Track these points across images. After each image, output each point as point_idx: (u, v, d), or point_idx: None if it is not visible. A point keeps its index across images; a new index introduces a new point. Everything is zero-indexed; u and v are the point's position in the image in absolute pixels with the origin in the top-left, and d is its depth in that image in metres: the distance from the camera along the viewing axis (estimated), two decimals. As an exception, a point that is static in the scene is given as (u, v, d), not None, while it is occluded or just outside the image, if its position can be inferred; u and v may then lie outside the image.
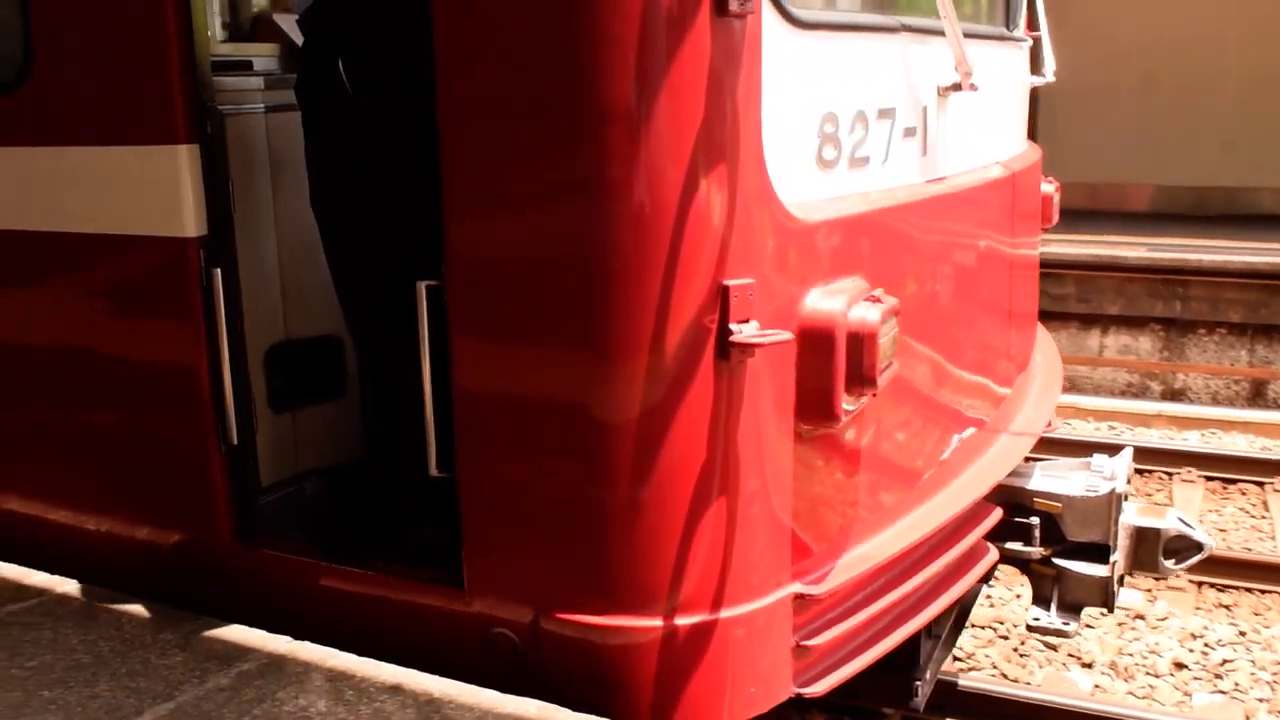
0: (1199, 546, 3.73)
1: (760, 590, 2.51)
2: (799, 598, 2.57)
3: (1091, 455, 3.99)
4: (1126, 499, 3.91)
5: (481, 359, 2.48)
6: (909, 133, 2.88)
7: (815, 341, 2.44)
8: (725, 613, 2.46)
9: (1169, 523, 3.71)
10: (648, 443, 2.37)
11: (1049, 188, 4.76)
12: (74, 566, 3.13)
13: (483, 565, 2.57)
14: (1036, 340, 4.67)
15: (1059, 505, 3.70)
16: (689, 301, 2.30)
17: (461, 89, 2.37)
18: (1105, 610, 3.82)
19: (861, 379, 2.47)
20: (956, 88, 2.95)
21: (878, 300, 2.49)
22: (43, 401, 3.25)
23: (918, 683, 3.48)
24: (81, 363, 3.09)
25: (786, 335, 2.31)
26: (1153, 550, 3.71)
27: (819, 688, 2.63)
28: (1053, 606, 3.79)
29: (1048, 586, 3.80)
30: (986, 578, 3.64)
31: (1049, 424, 4.24)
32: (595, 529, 2.44)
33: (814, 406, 2.48)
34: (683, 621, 2.44)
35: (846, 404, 2.50)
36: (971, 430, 3.44)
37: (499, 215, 2.41)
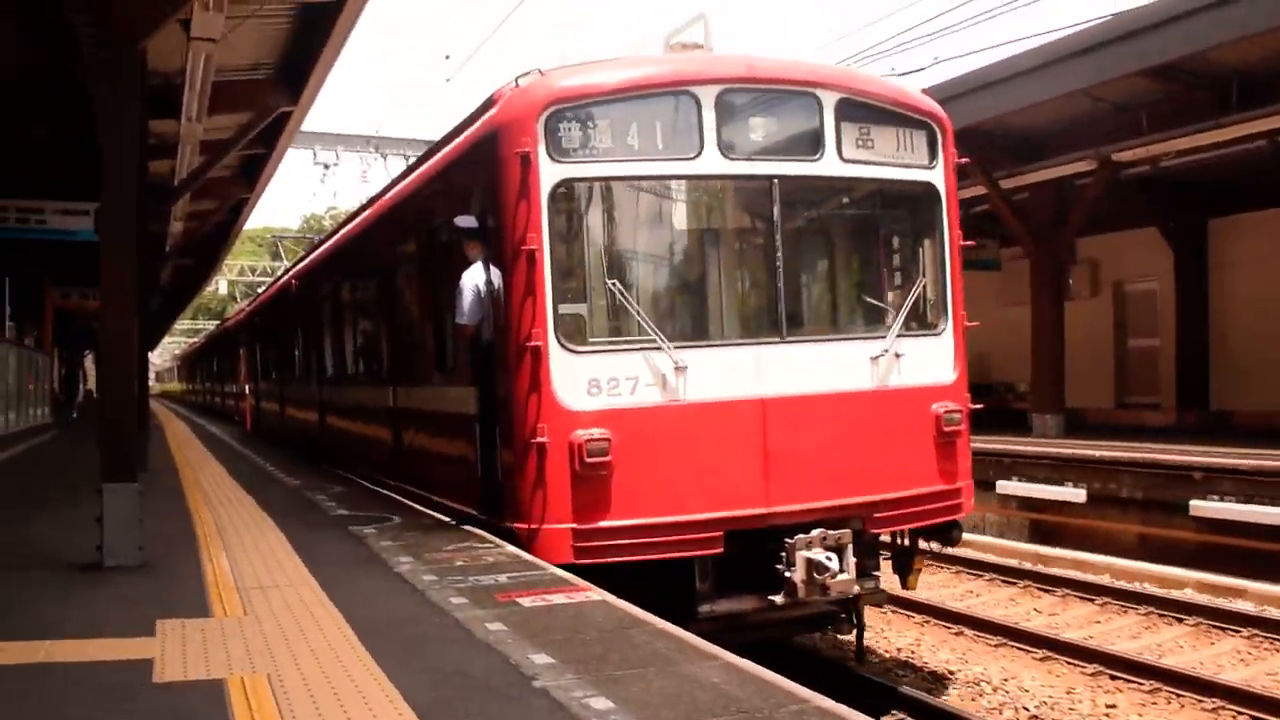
0: (829, 569, 8.26)
1: (559, 521, 7.66)
2: (575, 530, 7.68)
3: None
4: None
5: (501, 426, 8.43)
6: (649, 384, 7.81)
7: (572, 446, 7.61)
8: (545, 526, 7.71)
9: (815, 554, 8.31)
10: (522, 473, 7.90)
11: (938, 409, 8.64)
12: (435, 508, 10.03)
13: (507, 509, 8.27)
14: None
15: (789, 545, 8.37)
16: (530, 429, 7.74)
17: (501, 324, 8.29)
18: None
19: (585, 460, 7.55)
20: (679, 368, 7.92)
21: (596, 438, 7.57)
22: (428, 449, 10.54)
23: (699, 609, 7.83)
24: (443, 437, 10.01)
25: (544, 440, 7.65)
26: (809, 569, 8.18)
27: (582, 561, 7.51)
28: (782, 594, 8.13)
29: (790, 585, 8.46)
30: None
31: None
32: (515, 497, 8.08)
33: (574, 464, 7.62)
34: (532, 526, 7.79)
35: (584, 467, 7.55)
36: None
37: (503, 371, 8.26)
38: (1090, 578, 13.03)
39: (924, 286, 8.89)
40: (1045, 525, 15.41)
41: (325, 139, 33.30)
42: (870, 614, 10.18)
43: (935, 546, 9.49)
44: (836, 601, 8.31)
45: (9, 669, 5.19)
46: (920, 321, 8.93)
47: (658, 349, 7.92)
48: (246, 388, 29.79)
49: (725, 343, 8.41)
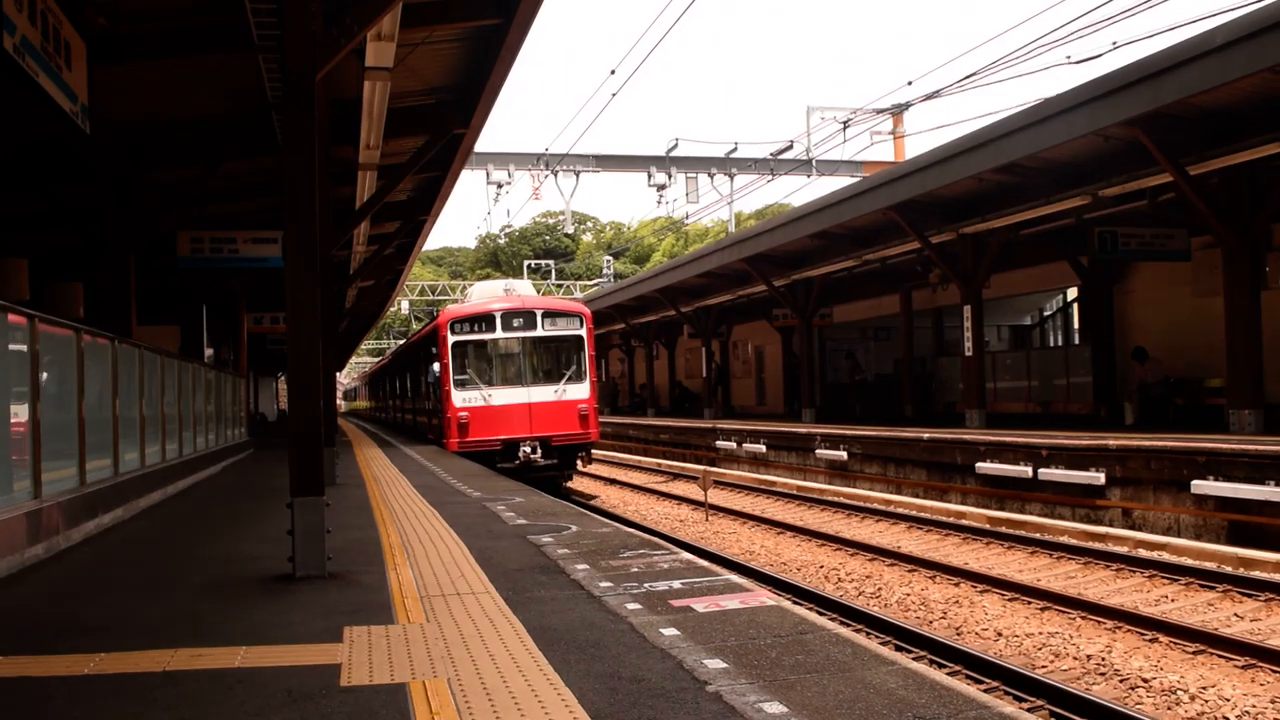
0: (530, 454, 22.36)
1: (453, 438, 22.58)
2: (459, 441, 22.23)
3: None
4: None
5: (441, 413, 22.20)
6: (481, 399, 22.36)
7: (459, 418, 22.01)
8: (449, 440, 22.68)
9: (527, 449, 22.22)
10: (444, 425, 23.15)
11: (579, 407, 22.88)
12: (424, 439, 27.87)
13: (442, 437, 23.42)
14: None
15: (522, 446, 22.20)
16: (447, 413, 22.71)
17: (440, 382, 21.51)
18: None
19: (460, 422, 22.38)
20: (491, 394, 22.72)
21: (463, 415, 22.35)
22: (431, 421, 26.19)
23: (496, 466, 21.32)
24: (432, 418, 24.52)
25: (451, 416, 22.50)
26: (525, 454, 22.35)
27: (462, 451, 22.30)
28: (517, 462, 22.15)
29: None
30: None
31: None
32: (443, 433, 23.42)
33: (458, 422, 22.17)
34: (447, 440, 22.93)
35: (460, 419, 22.30)
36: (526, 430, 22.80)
37: (441, 397, 22.36)
38: (1298, 582, 12.30)
39: (575, 369, 22.85)
40: (1246, 527, 14.61)
41: (497, 158, 34.15)
42: (1057, 621, 11.25)
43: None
44: (553, 469, 22.24)
45: (207, 673, 5.42)
46: (574, 379, 22.79)
47: (481, 389, 22.36)
48: (389, 403, 51.61)
49: (509, 386, 22.58)
